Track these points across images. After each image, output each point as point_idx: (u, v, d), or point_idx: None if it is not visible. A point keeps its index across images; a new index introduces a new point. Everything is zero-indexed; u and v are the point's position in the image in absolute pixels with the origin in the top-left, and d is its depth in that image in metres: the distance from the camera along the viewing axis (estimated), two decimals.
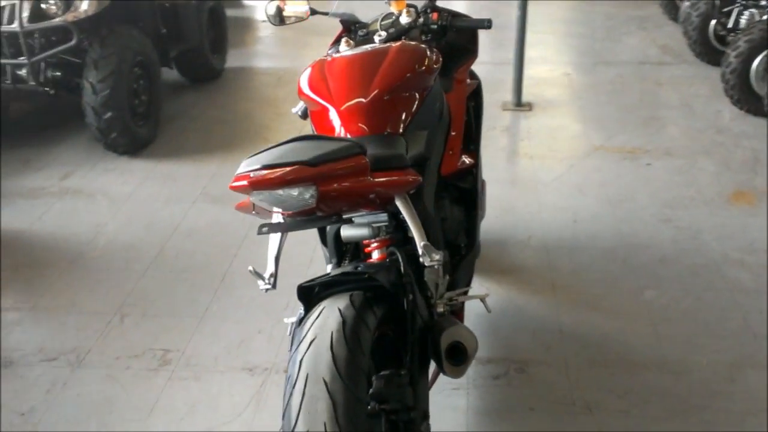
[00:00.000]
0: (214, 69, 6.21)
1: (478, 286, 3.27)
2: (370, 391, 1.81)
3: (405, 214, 1.92)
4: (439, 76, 2.53)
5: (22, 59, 4.56)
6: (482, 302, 2.28)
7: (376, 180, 1.79)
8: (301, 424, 1.61)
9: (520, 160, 4.71)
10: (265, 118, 5.49)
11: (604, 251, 3.56)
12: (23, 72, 4.68)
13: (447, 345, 1.96)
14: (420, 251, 1.93)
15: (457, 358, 1.97)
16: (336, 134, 2.23)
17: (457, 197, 2.51)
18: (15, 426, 2.55)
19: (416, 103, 2.30)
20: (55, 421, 2.58)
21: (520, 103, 5.52)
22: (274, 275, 1.96)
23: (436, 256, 1.91)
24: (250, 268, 1.95)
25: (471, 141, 2.64)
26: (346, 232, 2.21)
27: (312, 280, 1.92)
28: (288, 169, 1.57)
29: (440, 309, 2.13)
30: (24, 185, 4.47)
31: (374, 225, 2.24)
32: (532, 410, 2.56)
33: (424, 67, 2.34)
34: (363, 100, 2.19)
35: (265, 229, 1.82)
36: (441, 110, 2.46)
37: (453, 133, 2.49)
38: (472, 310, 2.96)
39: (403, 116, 2.24)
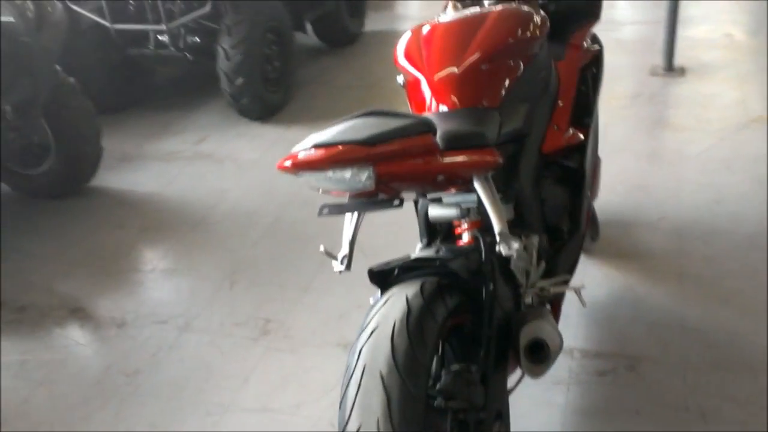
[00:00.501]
0: (351, 33, 6.18)
1: (594, 270, 3.04)
2: (438, 386, 1.71)
3: (483, 197, 1.76)
4: (549, 42, 2.32)
5: (161, 26, 4.74)
6: (576, 294, 2.09)
7: (445, 161, 1.64)
8: (354, 419, 1.53)
9: (664, 132, 4.32)
10: None
11: (746, 238, 3.19)
12: (164, 38, 4.87)
13: (527, 341, 1.81)
14: (497, 238, 1.77)
15: (538, 355, 1.81)
16: (427, 107, 2.09)
17: (562, 177, 2.30)
18: (120, 386, 2.66)
19: (516, 73, 2.10)
20: (155, 384, 2.67)
21: (671, 68, 5.06)
22: (348, 257, 1.86)
23: (515, 245, 1.74)
24: (322, 247, 1.87)
25: (584, 114, 2.40)
26: (433, 211, 2.08)
27: (387, 263, 1.82)
28: (338, 149, 1.46)
29: (529, 299, 1.97)
30: (162, 148, 4.67)
31: (462, 206, 2.11)
32: (637, 413, 2.34)
33: (526, 34, 2.13)
34: (455, 70, 2.03)
35: (325, 211, 1.72)
36: (547, 81, 2.25)
37: (560, 105, 2.27)
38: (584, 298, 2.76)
39: (500, 88, 2.06)
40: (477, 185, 1.76)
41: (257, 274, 3.26)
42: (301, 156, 1.49)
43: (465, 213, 2.12)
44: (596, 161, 2.52)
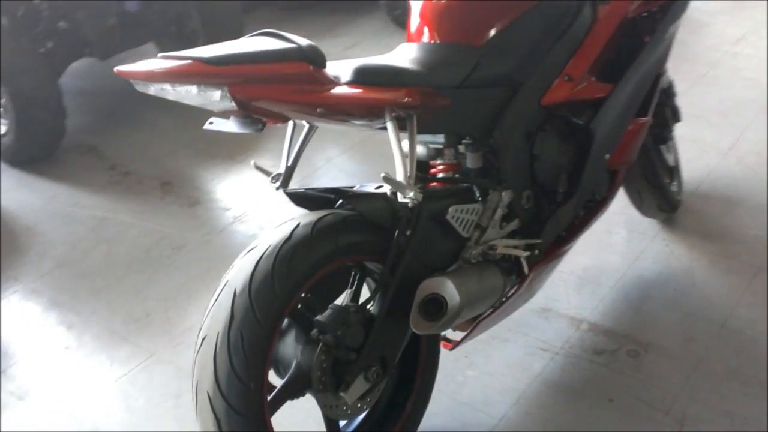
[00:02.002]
0: None
1: (659, 243, 2.73)
2: (318, 317, 1.71)
3: (391, 138, 1.66)
4: None
5: None
6: (521, 261, 1.91)
7: (328, 93, 1.57)
8: (204, 328, 1.59)
9: None
10: None
11: None
12: None
13: (424, 295, 1.71)
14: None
15: (434, 311, 1.71)
16: (410, 37, 1.98)
17: (565, 133, 2.06)
18: (162, 257, 2.91)
19: (516, 11, 1.91)
20: (190, 261, 2.87)
21: None
22: (284, 176, 1.86)
23: (410, 194, 1.64)
24: (253, 162, 1.89)
25: (615, 68, 2.11)
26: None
27: (308, 188, 1.81)
28: (177, 64, 1.44)
29: (470, 254, 1.85)
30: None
31: (429, 145, 2.01)
32: (610, 401, 2.12)
33: None
34: (435, 2, 1.90)
35: (209, 124, 1.70)
36: (567, 25, 2.00)
37: (581, 54, 2.02)
38: (648, 271, 2.55)
39: (489, 26, 1.89)
40: (388, 124, 1.66)
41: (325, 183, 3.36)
42: (143, 67, 1.46)
43: (433, 153, 2.01)
44: (627, 124, 2.19)
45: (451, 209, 1.81)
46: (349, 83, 1.61)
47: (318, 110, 1.58)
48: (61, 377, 2.43)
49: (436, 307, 1.71)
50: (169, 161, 3.66)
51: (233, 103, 1.47)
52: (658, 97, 2.34)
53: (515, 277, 1.99)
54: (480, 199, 1.91)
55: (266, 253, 1.61)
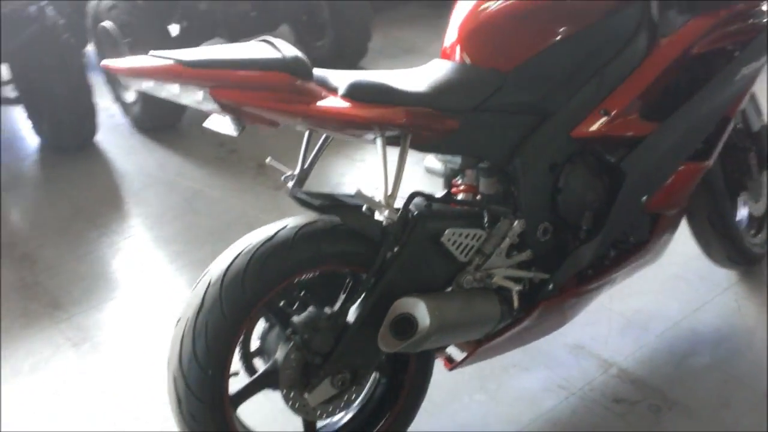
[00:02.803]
0: None
1: (728, 296, 2.53)
2: (294, 318, 1.77)
3: (378, 155, 1.67)
4: (673, 6, 1.96)
5: None
6: (513, 294, 1.85)
7: (308, 106, 1.59)
8: (182, 312, 1.70)
9: None
10: None
11: None
12: None
13: (397, 313, 1.72)
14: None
15: (403, 332, 1.71)
16: (443, 52, 1.96)
17: (595, 170, 1.96)
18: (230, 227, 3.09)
19: (547, 38, 1.84)
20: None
21: None
22: (298, 177, 1.90)
23: (385, 213, 1.64)
24: (269, 159, 1.94)
25: (665, 106, 1.97)
26: (427, 162, 2.03)
27: (313, 193, 1.85)
28: (159, 63, 1.53)
29: (465, 278, 1.83)
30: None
31: (448, 164, 1.99)
32: None
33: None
34: (467, 21, 1.88)
35: (208, 122, 1.77)
36: (610, 57, 1.89)
37: (625, 87, 1.91)
38: (705, 325, 2.40)
39: (517, 51, 1.83)
40: (377, 141, 1.68)
41: None
42: (128, 63, 1.53)
43: (450, 173, 1.99)
44: (674, 167, 2.03)
45: (447, 231, 1.79)
46: (342, 97, 1.64)
47: (299, 121, 1.63)
48: (124, 330, 2.67)
49: (407, 326, 1.71)
50: (274, 144, 3.83)
51: (217, 105, 1.55)
52: (730, 142, 2.17)
53: (519, 309, 1.94)
54: (487, 225, 1.87)
55: (246, 249, 1.69)
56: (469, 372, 2.26)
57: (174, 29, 4.18)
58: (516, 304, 1.85)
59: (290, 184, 1.89)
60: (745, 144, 2.36)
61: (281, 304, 1.79)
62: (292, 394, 1.75)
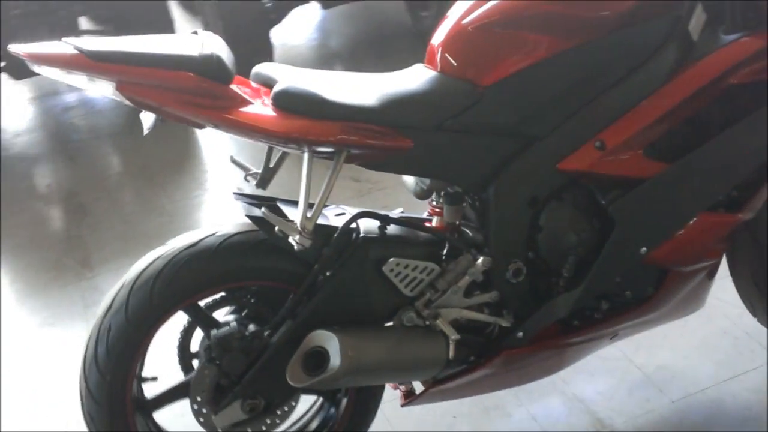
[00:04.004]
0: None
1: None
2: (213, 331, 1.65)
3: (302, 173, 1.49)
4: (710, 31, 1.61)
5: None
6: (450, 342, 1.61)
7: (218, 111, 1.42)
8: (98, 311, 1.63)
9: None
10: None
11: None
12: None
13: (310, 346, 1.55)
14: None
15: (315, 367, 1.54)
16: (426, 58, 1.72)
17: (585, 209, 1.66)
18: None
19: (538, 51, 1.56)
20: None
21: None
22: (261, 176, 1.75)
23: (296, 236, 1.46)
24: (231, 155, 1.82)
25: (676, 145, 1.62)
26: (405, 179, 1.81)
27: (254, 196, 1.71)
28: (64, 52, 1.40)
29: (407, 315, 1.62)
30: None
31: (419, 183, 1.77)
32: None
33: (572, 7, 1.55)
34: (452, 22, 1.63)
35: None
36: (616, 80, 1.59)
37: (627, 118, 1.59)
38: (733, 398, 2.06)
39: (500, 63, 1.57)
40: (303, 157, 1.50)
41: None
42: (33, 49, 1.41)
43: (420, 192, 1.77)
44: (687, 217, 1.68)
45: (391, 260, 1.59)
46: (271, 104, 1.48)
47: (209, 126, 1.48)
48: None
49: (319, 361, 1.54)
50: None
51: (124, 99, 1.44)
52: None
53: (480, 355, 1.71)
54: (445, 258, 1.65)
55: (165, 254, 1.59)
56: (444, 407, 2.06)
57: None
58: (452, 353, 1.61)
59: (248, 182, 1.76)
60: None
61: (214, 311, 1.68)
62: (201, 410, 1.64)
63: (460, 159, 1.61)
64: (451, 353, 1.60)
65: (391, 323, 1.66)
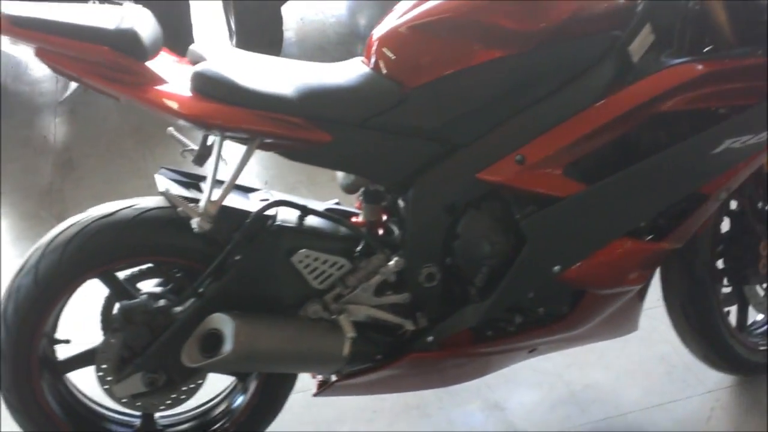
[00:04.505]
0: None
1: None
2: (122, 301, 1.68)
3: (212, 158, 1.52)
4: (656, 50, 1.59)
5: None
6: (344, 327, 1.62)
7: (131, 87, 1.45)
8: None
9: None
10: None
11: None
12: None
13: (208, 327, 1.58)
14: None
15: (212, 349, 1.57)
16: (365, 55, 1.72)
17: (502, 222, 1.65)
18: None
19: (470, 57, 1.56)
20: None
21: None
22: (199, 152, 1.75)
23: (195, 219, 1.48)
24: (170, 128, 1.81)
25: (601, 167, 1.60)
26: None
27: (179, 171, 1.73)
28: None
29: (312, 308, 1.64)
30: None
31: (346, 179, 1.77)
32: None
33: (503, 17, 1.54)
34: (389, 19, 1.63)
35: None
36: (545, 94, 1.57)
37: (551, 134, 1.58)
38: (656, 426, 2.04)
39: (427, 66, 1.57)
40: (215, 143, 1.52)
41: None
42: None
43: (346, 186, 1.77)
44: (603, 240, 1.66)
45: (301, 252, 1.61)
46: (190, 86, 1.50)
47: (122, 101, 1.51)
48: None
49: (215, 343, 1.57)
50: None
51: (45, 65, 1.47)
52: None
53: (387, 355, 1.72)
54: (358, 255, 1.66)
55: (81, 221, 1.62)
56: (366, 402, 2.08)
57: None
58: (347, 350, 1.62)
59: (186, 156, 1.78)
60: (754, 229, 1.90)
61: (139, 281, 1.72)
62: (105, 377, 1.68)
63: (380, 158, 1.61)
64: (346, 351, 1.62)
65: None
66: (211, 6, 4.68)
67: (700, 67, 1.58)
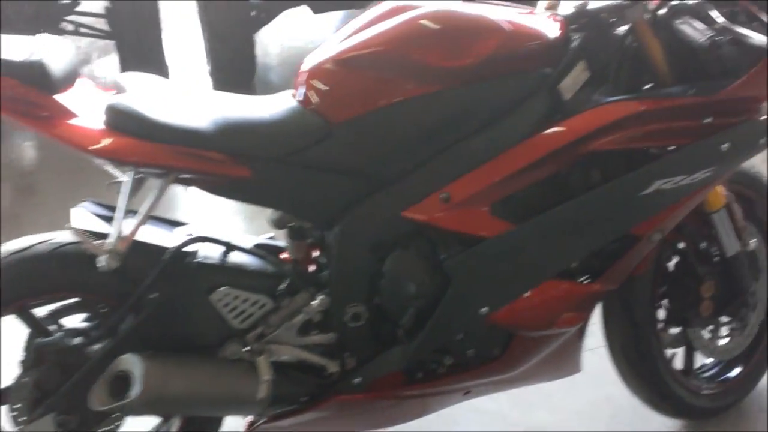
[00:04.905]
0: None
1: None
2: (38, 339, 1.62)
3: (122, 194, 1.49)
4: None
5: None
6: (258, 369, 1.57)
7: (39, 121, 1.42)
8: None
9: None
10: None
11: None
12: None
13: (117, 369, 1.52)
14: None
15: (121, 392, 1.52)
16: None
17: (429, 262, 1.60)
18: None
19: (393, 93, 1.53)
20: None
21: None
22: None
23: (102, 258, 1.45)
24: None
25: (529, 206, 1.56)
26: None
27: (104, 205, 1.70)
28: None
29: (231, 348, 1.59)
30: None
31: (273, 214, 1.73)
32: None
33: (427, 54, 1.51)
34: (313, 58, 1.61)
35: None
36: (470, 132, 1.55)
37: (478, 175, 1.54)
38: None
39: (351, 102, 1.54)
40: (127, 177, 1.49)
41: None
42: None
43: (273, 222, 1.72)
44: (531, 282, 1.62)
45: (221, 290, 1.56)
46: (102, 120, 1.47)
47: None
48: None
49: (124, 386, 1.52)
50: None
51: None
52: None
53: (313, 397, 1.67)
54: (281, 293, 1.61)
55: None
56: None
57: None
58: (263, 393, 1.57)
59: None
60: (695, 271, 1.86)
61: (63, 317, 1.67)
62: (18, 417, 1.61)
63: (303, 195, 1.58)
64: (262, 393, 1.57)
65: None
66: (191, 31, 4.69)
67: (632, 105, 1.55)
